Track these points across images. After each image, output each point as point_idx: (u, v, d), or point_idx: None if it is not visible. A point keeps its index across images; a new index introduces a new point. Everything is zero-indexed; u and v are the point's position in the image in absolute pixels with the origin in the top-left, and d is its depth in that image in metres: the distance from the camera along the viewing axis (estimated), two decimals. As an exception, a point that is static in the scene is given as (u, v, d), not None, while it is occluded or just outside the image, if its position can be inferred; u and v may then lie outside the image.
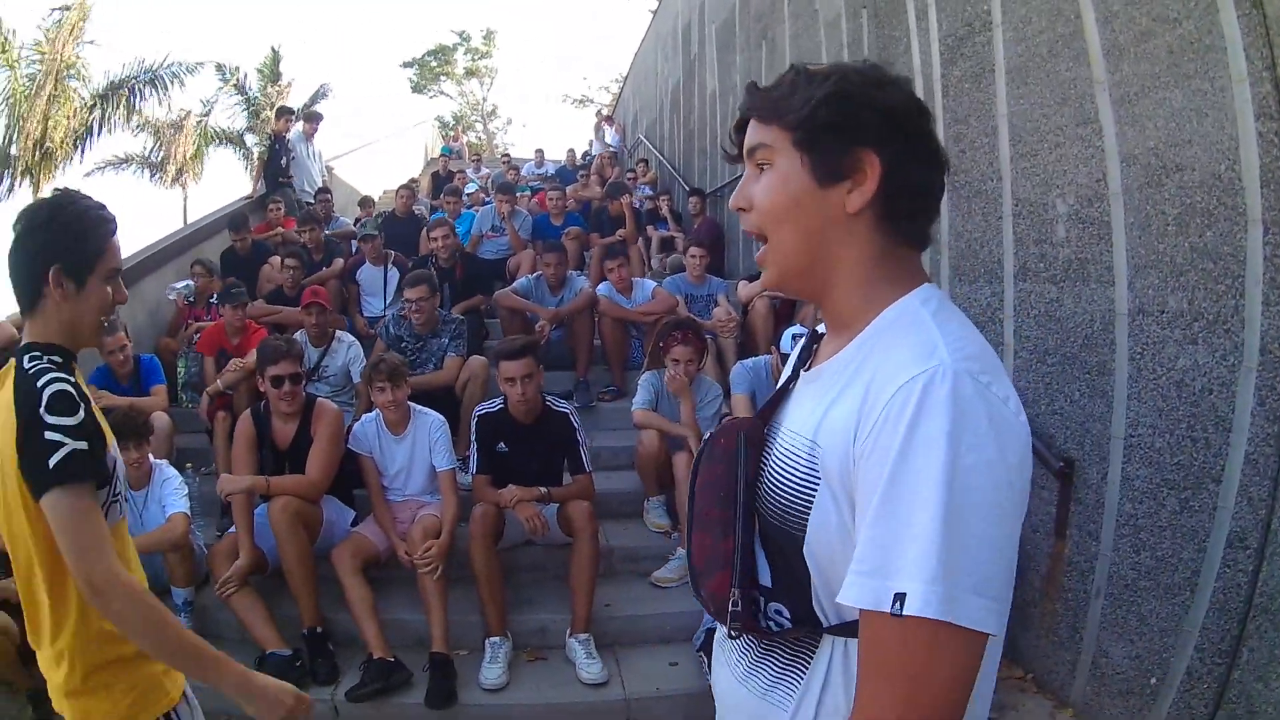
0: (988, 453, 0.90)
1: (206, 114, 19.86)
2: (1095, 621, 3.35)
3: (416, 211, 9.73)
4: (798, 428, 1.10)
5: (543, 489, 4.21)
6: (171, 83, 17.62)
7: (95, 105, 17.02)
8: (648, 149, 14.72)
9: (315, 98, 20.03)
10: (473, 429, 4.39)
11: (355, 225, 9.35)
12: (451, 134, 26.92)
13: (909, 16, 4.76)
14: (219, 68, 19.83)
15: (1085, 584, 3.39)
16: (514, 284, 6.77)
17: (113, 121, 17.35)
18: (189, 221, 10.66)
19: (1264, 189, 2.58)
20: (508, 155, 20.31)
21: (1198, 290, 2.84)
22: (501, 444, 4.31)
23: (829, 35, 6.22)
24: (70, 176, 17.12)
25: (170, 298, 7.14)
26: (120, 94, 17.28)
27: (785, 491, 1.08)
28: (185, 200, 19.67)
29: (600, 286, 6.56)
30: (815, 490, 1.03)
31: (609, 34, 70.18)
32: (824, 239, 1.08)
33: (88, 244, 1.76)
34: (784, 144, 1.09)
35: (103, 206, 1.84)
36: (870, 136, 1.04)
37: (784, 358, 4.64)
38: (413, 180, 12.19)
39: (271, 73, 21.24)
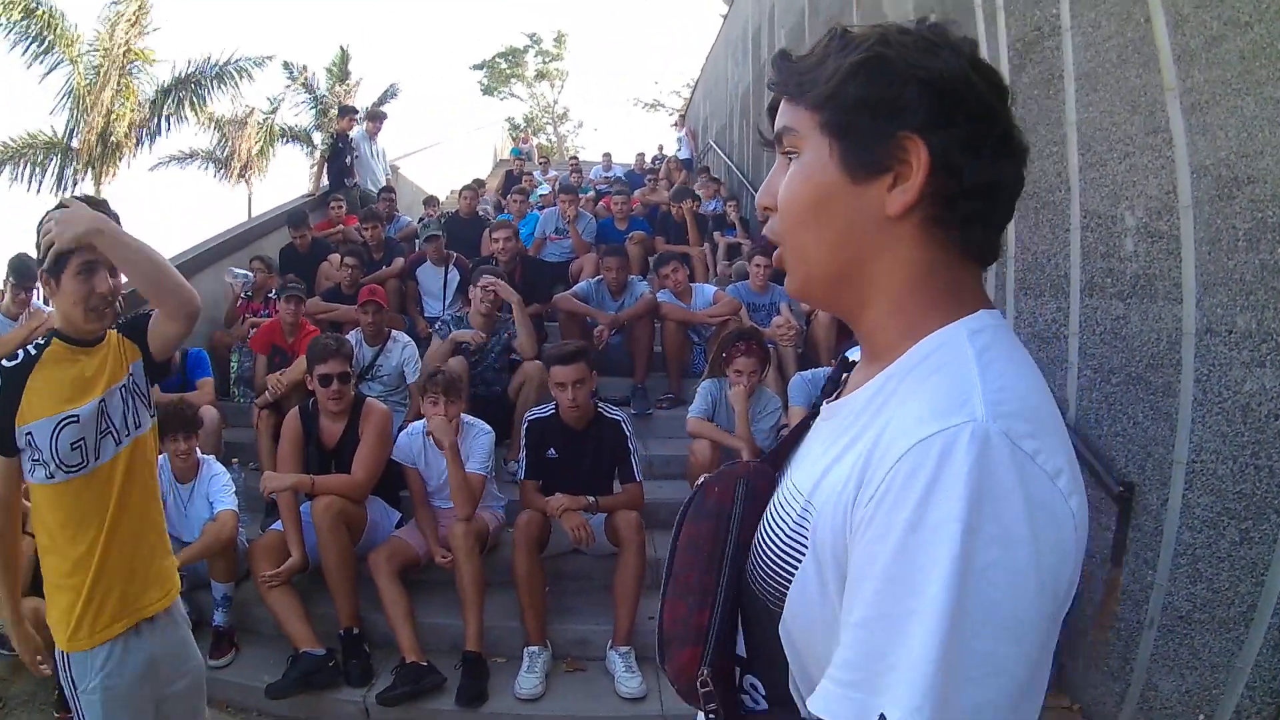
0: (1015, 550, 0.70)
1: (273, 111, 19.89)
2: (1146, 653, 3.21)
3: (481, 212, 9.74)
4: (798, 480, 0.91)
5: (590, 498, 4.14)
6: (240, 76, 17.61)
7: (159, 100, 17.04)
8: (717, 154, 14.64)
9: (384, 97, 20.05)
10: (523, 433, 4.35)
11: (418, 224, 9.41)
12: (521, 135, 27.01)
13: (978, 21, 4.62)
14: (286, 65, 19.86)
15: (1139, 614, 3.25)
16: (574, 288, 6.74)
17: (178, 117, 17.37)
18: (252, 217, 10.83)
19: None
20: (575, 158, 20.39)
21: (1266, 310, 2.70)
22: (551, 449, 4.26)
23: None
24: (134, 171, 17.58)
25: (228, 280, 7.09)
26: (186, 89, 17.29)
27: (768, 558, 0.90)
28: (250, 196, 19.80)
29: (660, 294, 6.50)
30: (801, 560, 0.85)
31: (682, 38, 70.15)
32: (856, 248, 0.86)
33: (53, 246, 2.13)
34: (810, 128, 0.87)
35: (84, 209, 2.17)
36: (916, 117, 0.81)
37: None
38: (478, 181, 12.24)
39: (340, 71, 21.27)
